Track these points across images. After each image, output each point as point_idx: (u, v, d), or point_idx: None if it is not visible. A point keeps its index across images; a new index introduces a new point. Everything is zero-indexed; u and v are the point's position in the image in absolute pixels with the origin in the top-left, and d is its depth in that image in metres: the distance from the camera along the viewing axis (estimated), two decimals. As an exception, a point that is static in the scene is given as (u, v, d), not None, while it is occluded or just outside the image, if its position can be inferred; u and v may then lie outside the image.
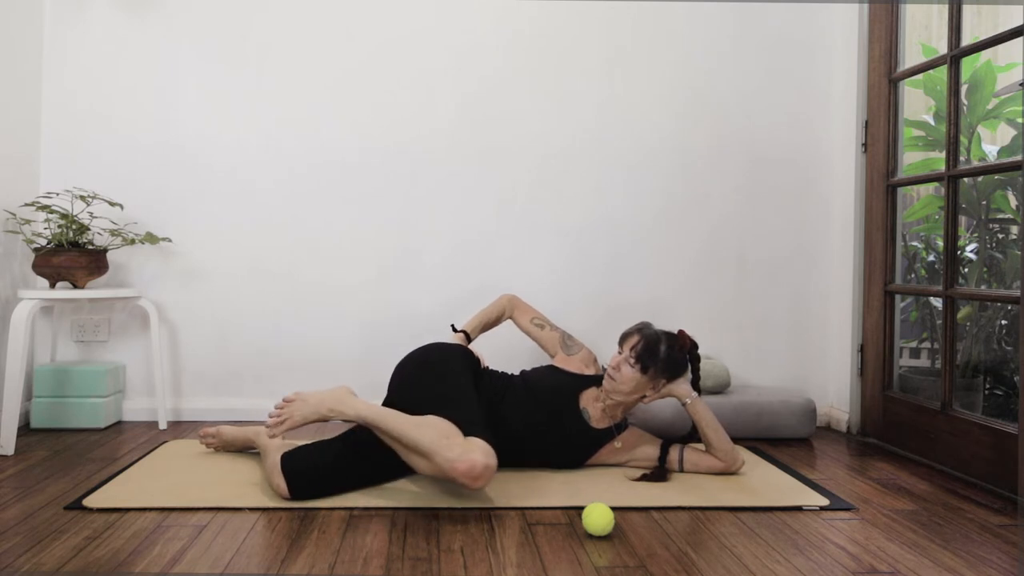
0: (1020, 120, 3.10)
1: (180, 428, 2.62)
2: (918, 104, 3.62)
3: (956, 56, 2.28)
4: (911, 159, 3.21)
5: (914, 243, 3.32)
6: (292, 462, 1.85)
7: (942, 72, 2.77)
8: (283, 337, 2.77)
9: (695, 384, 2.14)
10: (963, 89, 2.82)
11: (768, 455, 2.34)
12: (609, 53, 2.82)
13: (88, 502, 1.80)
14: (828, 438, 2.63)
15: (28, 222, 2.51)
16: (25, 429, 2.56)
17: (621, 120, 2.83)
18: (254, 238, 2.76)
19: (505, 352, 2.75)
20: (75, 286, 2.51)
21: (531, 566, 1.49)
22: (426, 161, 2.79)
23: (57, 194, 2.62)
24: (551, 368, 2.23)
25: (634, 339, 2.09)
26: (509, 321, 2.46)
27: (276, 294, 2.77)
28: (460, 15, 2.79)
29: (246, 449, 2.26)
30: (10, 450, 2.23)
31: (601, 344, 2.78)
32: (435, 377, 2.00)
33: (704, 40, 2.84)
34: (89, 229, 2.54)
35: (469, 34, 2.79)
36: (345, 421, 1.89)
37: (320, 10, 2.76)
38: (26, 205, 2.52)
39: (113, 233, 2.58)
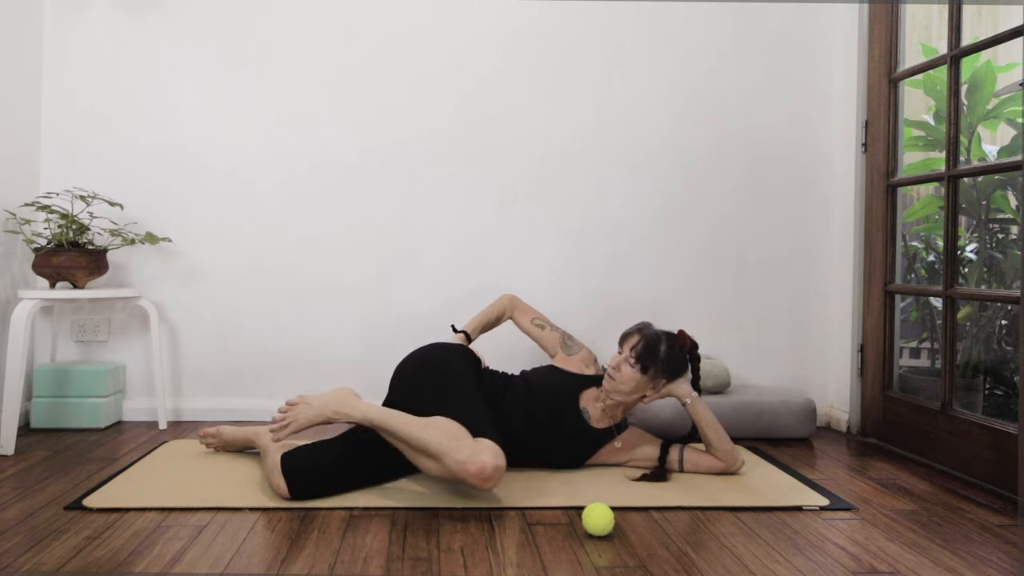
0: (1020, 120, 3.10)
1: (180, 428, 2.62)
2: (918, 104, 3.62)
3: (956, 56, 2.28)
4: (911, 159, 3.21)
5: (914, 243, 3.32)
6: (292, 462, 1.85)
7: (942, 72, 2.77)
8: (283, 337, 2.77)
9: (695, 384, 2.14)
10: (963, 89, 2.82)
11: (768, 455, 2.34)
12: (609, 53, 2.82)
13: (88, 502, 1.80)
14: (828, 438, 2.63)
15: (28, 222, 2.51)
16: (25, 429, 2.56)
17: (621, 120, 2.83)
18: (254, 238, 2.76)
19: (505, 352, 2.75)
20: (75, 286, 2.51)
21: (531, 566, 1.49)
22: (426, 161, 2.79)
23: (57, 194, 2.63)
24: (551, 368, 2.23)
25: (634, 339, 2.09)
26: (509, 321, 2.46)
27: (276, 294, 2.77)
28: (460, 15, 2.79)
29: (246, 449, 2.26)
30: (10, 450, 2.23)
31: (601, 344, 2.78)
32: (438, 377, 2.00)
33: (704, 40, 2.84)
34: (89, 229, 2.55)
35: (469, 34, 2.79)
36: (350, 423, 1.89)
37: (320, 10, 2.76)
38: (26, 205, 2.52)
39: (113, 233, 2.58)
